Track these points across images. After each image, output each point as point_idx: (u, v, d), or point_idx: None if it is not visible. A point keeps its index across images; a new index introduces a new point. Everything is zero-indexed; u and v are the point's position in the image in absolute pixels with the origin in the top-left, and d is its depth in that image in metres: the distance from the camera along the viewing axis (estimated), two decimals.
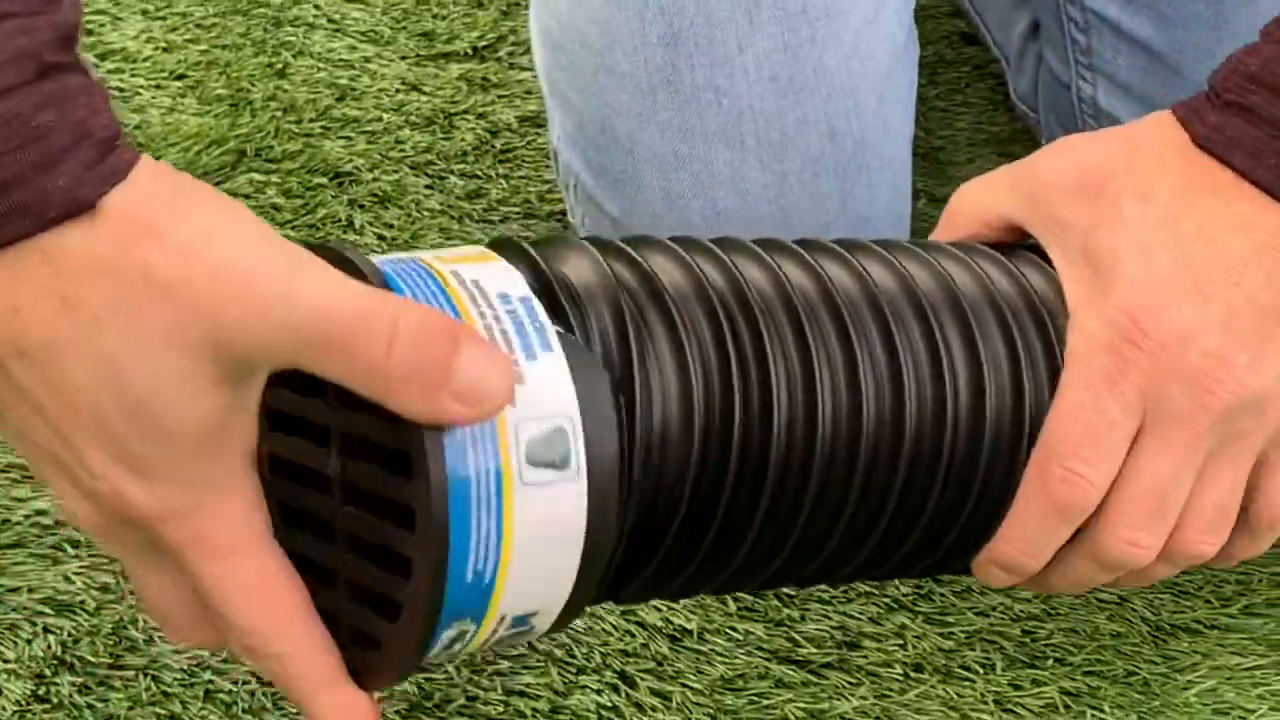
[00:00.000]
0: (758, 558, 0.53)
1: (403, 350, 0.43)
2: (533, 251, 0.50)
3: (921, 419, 0.53)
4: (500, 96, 1.01)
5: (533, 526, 0.46)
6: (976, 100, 1.06)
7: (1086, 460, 0.55)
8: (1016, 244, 0.59)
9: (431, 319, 0.44)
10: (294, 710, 0.71)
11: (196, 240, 0.44)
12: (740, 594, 0.77)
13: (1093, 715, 0.74)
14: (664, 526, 0.50)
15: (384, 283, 0.46)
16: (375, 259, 0.47)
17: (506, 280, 0.48)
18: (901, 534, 0.54)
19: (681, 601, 0.76)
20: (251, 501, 0.47)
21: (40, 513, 0.77)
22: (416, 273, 0.47)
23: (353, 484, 0.47)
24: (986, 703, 0.74)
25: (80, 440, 0.45)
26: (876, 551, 0.55)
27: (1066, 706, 0.75)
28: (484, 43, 1.04)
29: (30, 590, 0.74)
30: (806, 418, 0.51)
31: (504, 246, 0.50)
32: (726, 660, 0.75)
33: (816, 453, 0.51)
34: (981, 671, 0.76)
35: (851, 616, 0.77)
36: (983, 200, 0.59)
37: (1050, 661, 0.76)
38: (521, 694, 0.73)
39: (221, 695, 0.72)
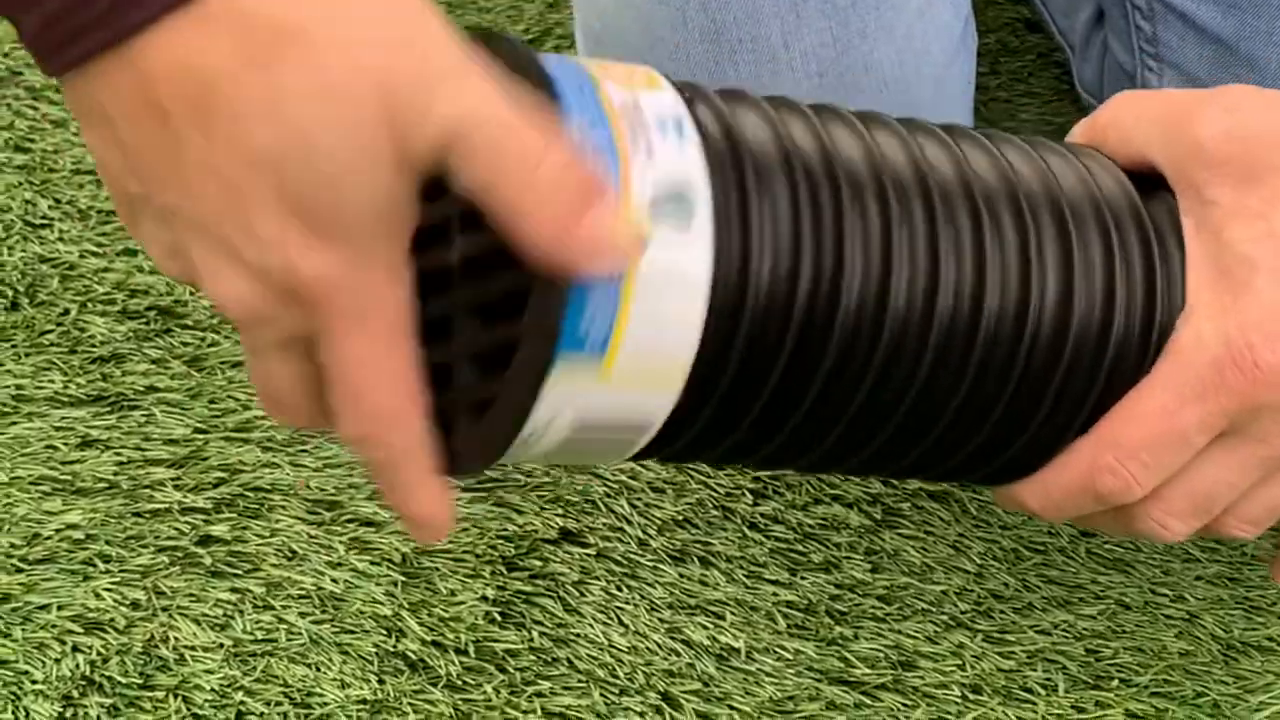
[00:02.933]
0: (806, 434, 0.51)
1: (546, 180, 0.44)
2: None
3: (1002, 318, 0.51)
4: None
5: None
6: (1041, 90, 1.02)
7: (1145, 465, 0.53)
8: (1147, 176, 0.55)
9: (580, 162, 0.45)
10: None
11: (388, 15, 0.44)
12: (790, 608, 0.74)
13: None
14: (713, 380, 0.49)
15: (548, 83, 0.47)
16: (545, 59, 0.48)
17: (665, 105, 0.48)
18: (957, 437, 0.53)
19: (729, 619, 0.74)
20: (408, 293, 0.47)
21: (71, 526, 0.75)
22: (580, 85, 0.47)
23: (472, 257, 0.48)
24: None
25: (255, 208, 0.44)
26: (929, 448, 0.53)
27: None
28: (530, 36, 1.01)
29: (60, 608, 0.73)
30: (878, 298, 0.50)
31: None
32: (775, 681, 0.72)
33: (883, 338, 0.50)
34: (1043, 693, 0.72)
35: (907, 635, 0.74)
36: (1127, 128, 0.55)
37: (1115, 682, 0.73)
38: (562, 716, 0.70)
39: (253, 717, 0.70)
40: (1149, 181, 0.55)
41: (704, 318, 0.48)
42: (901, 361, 0.51)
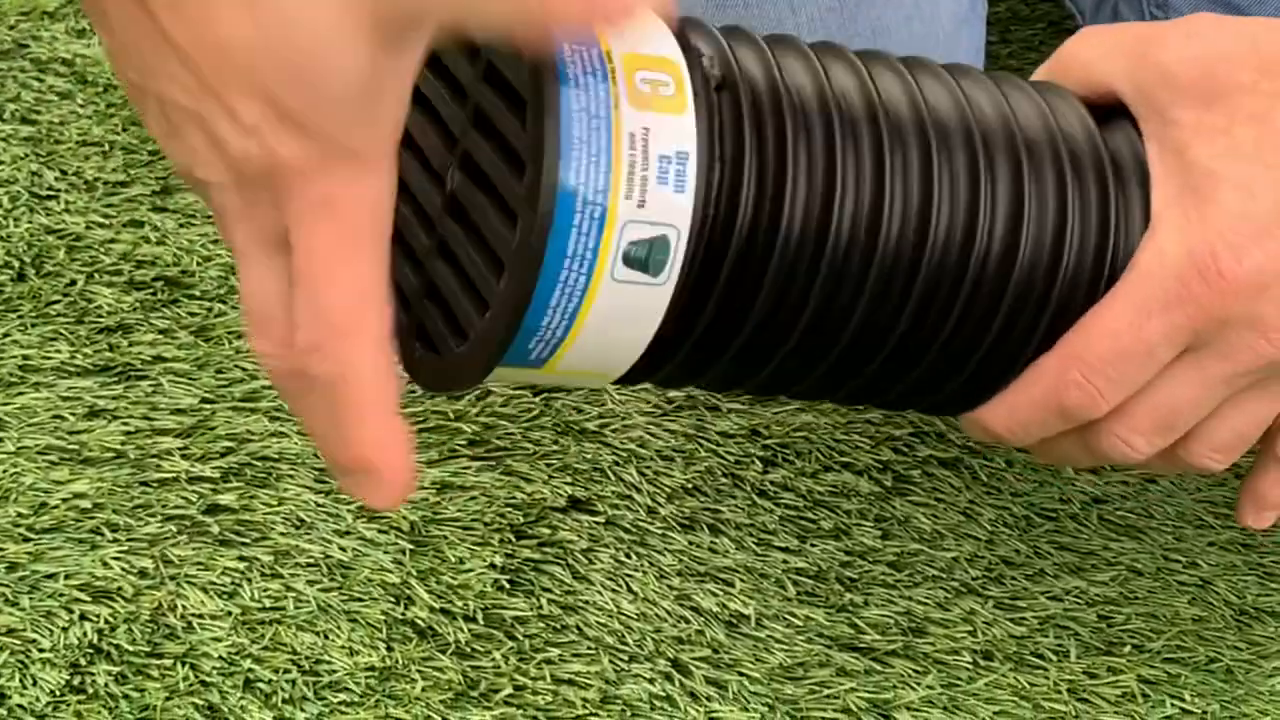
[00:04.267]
0: (750, 357, 0.52)
1: None
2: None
3: (948, 248, 0.52)
4: None
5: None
6: None
7: (1110, 379, 0.53)
8: (1110, 108, 0.55)
9: None
10: (335, 700, 0.69)
11: None
12: (800, 575, 0.74)
13: (1172, 704, 0.71)
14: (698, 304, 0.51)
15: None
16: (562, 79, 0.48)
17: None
18: (907, 358, 0.53)
19: (738, 586, 0.73)
20: (387, 187, 0.46)
21: (79, 495, 0.75)
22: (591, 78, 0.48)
23: (470, 162, 0.49)
24: (1060, 691, 0.71)
25: (231, 92, 0.44)
26: (878, 374, 0.54)
27: (1145, 695, 0.71)
28: None
29: (67, 576, 0.72)
30: (820, 224, 0.50)
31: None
32: (785, 647, 0.72)
33: (824, 263, 0.51)
34: (1055, 659, 0.72)
35: (917, 601, 0.74)
36: (1091, 60, 0.56)
37: (1128, 648, 0.73)
38: (571, 682, 0.70)
39: (261, 685, 0.69)
40: (1111, 112, 0.55)
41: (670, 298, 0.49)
42: (844, 285, 0.51)
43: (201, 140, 0.45)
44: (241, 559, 0.73)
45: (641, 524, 0.76)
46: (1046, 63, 0.58)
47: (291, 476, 0.76)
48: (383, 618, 0.72)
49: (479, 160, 0.50)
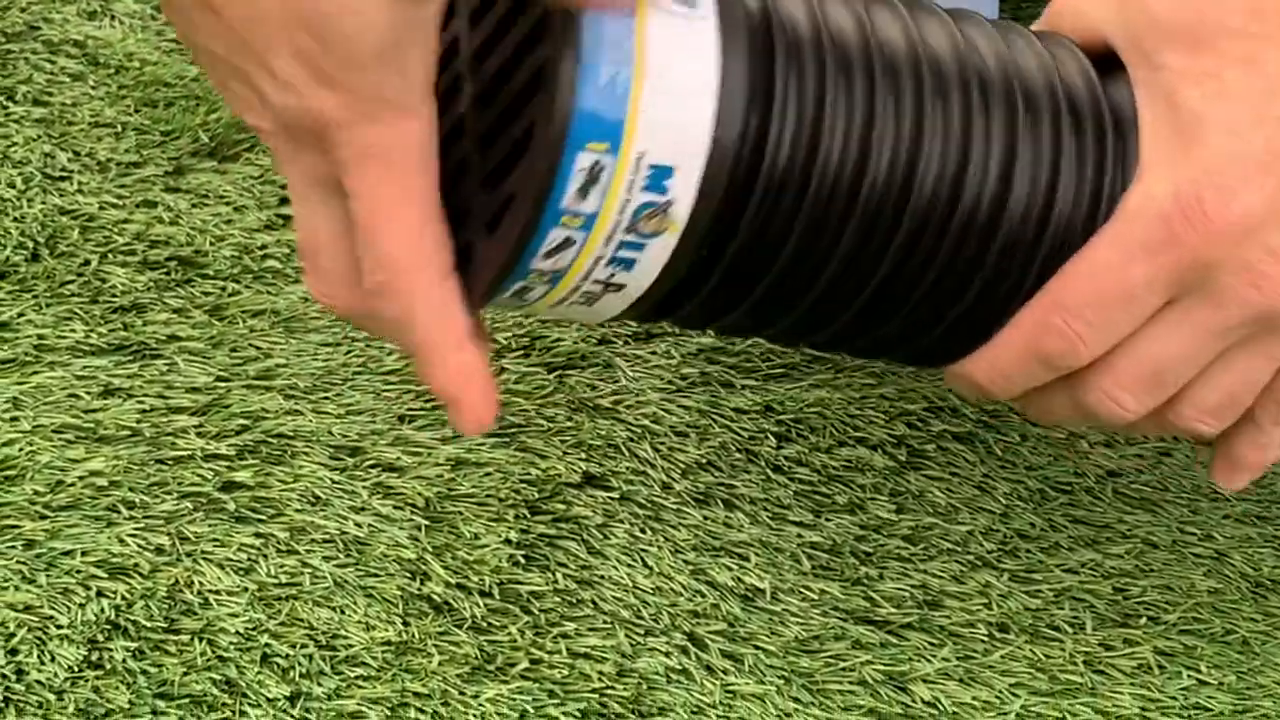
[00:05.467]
0: (729, 298, 0.53)
1: None
2: None
3: (936, 189, 0.51)
4: None
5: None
6: None
7: (1090, 323, 0.52)
8: (1111, 58, 0.55)
9: None
10: (352, 674, 0.69)
11: None
12: (815, 549, 0.74)
13: (1189, 676, 0.71)
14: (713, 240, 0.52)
15: None
16: None
17: None
18: (890, 302, 0.53)
19: (754, 560, 0.73)
20: (426, 129, 0.48)
21: (95, 473, 0.75)
22: None
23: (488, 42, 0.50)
24: (1076, 664, 0.71)
25: (267, 50, 0.46)
26: (864, 314, 0.53)
27: (1161, 667, 0.71)
28: None
29: (84, 553, 0.73)
30: (807, 156, 0.50)
31: None
32: (801, 621, 0.72)
33: (809, 191, 0.51)
34: (1071, 631, 0.72)
35: (933, 575, 0.74)
36: (1084, 8, 0.56)
37: (1143, 620, 0.73)
38: (587, 656, 0.70)
39: (278, 659, 0.69)
40: (1112, 62, 0.55)
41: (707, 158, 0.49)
42: (826, 226, 0.51)
43: (246, 92, 0.48)
44: (257, 535, 0.73)
45: (656, 499, 0.76)
46: (1044, 13, 0.58)
47: (306, 453, 0.76)
48: (399, 593, 0.72)
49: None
